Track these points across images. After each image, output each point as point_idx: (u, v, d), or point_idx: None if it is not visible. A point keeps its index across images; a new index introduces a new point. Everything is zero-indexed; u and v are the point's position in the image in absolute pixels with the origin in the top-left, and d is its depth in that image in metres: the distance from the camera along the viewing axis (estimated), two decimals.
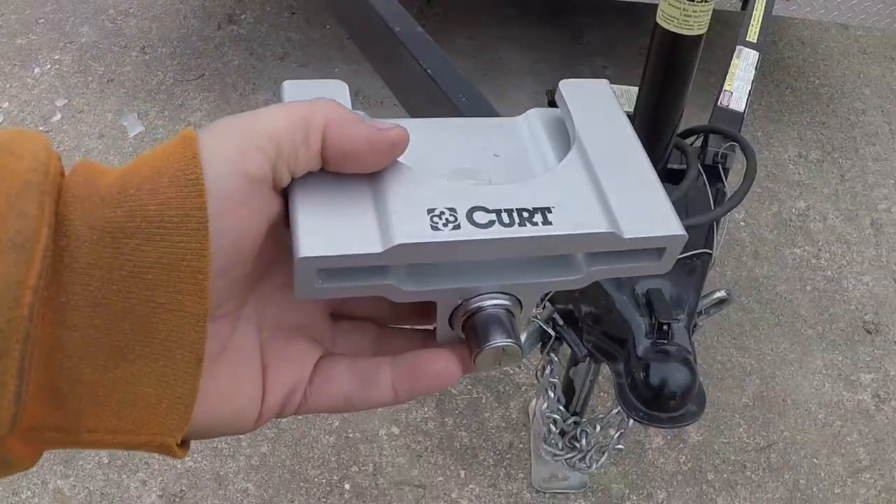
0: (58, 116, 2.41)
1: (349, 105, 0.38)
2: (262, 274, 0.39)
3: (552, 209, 0.37)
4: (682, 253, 1.02)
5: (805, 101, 2.67)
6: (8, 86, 2.52)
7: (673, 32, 0.91)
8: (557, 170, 0.39)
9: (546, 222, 0.36)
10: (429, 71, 1.23)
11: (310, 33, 2.79)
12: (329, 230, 0.34)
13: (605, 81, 0.44)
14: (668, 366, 0.92)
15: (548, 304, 1.11)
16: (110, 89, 2.51)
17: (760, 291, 2.05)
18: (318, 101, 0.36)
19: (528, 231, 0.36)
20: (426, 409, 1.75)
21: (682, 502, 1.65)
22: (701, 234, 1.05)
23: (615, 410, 1.24)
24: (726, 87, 1.32)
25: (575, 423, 1.34)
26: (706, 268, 1.04)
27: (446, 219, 0.35)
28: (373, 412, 1.71)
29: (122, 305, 0.31)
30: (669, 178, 1.07)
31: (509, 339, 0.38)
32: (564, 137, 0.43)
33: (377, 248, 0.34)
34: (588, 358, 1.07)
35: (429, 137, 0.41)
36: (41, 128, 2.36)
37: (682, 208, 1.06)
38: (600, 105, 0.43)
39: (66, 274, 0.31)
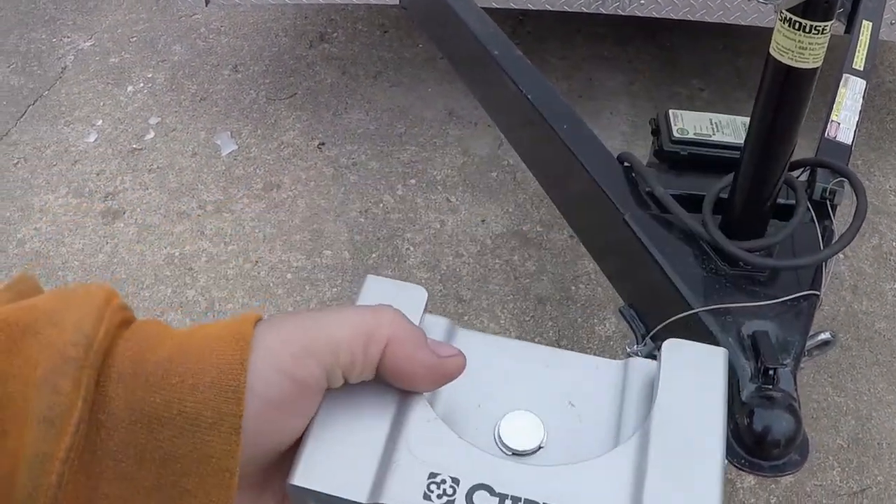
0: (151, 134, 2.46)
1: (419, 316, 0.39)
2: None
3: None
4: (789, 294, 0.99)
5: None
6: (101, 104, 2.58)
7: (787, 65, 0.88)
8: (603, 459, 0.36)
9: None
10: (529, 97, 1.21)
11: (402, 52, 2.80)
12: (329, 462, 0.36)
13: (721, 352, 0.39)
14: (773, 412, 0.88)
15: (649, 340, 1.08)
16: (203, 108, 2.56)
17: (859, 328, 1.97)
18: (385, 314, 0.37)
19: None
20: None
21: None
22: (808, 275, 1.01)
23: None
24: (833, 117, 1.27)
25: None
26: (813, 309, 1.00)
27: (444, 490, 0.35)
28: None
29: (153, 483, 0.33)
30: (777, 213, 1.03)
31: None
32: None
33: (363, 497, 0.35)
34: None
35: (507, 364, 0.40)
36: (134, 145, 2.41)
37: (790, 247, 1.03)
38: (699, 384, 0.38)
39: (100, 448, 0.32)
